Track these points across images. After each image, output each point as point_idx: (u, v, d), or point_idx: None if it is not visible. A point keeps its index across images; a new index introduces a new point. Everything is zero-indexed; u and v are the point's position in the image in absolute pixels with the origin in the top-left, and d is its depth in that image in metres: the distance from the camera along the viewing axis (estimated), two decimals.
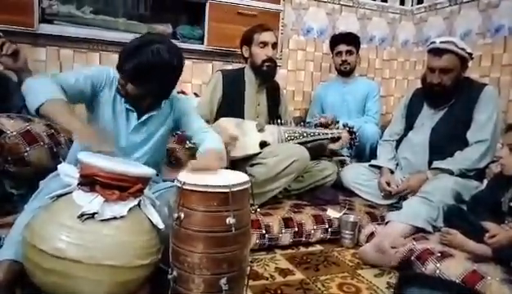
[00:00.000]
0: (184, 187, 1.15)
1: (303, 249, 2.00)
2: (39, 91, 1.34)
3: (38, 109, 1.31)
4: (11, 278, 1.23)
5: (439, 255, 1.65)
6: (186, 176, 1.20)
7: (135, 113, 1.55)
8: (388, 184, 2.25)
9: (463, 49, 2.04)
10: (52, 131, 1.92)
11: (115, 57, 2.69)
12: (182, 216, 1.15)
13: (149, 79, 1.42)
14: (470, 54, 2.08)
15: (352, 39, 2.87)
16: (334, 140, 2.33)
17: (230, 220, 1.12)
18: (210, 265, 1.14)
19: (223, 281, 1.13)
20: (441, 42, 2.06)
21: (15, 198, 1.71)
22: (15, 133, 1.74)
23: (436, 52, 2.07)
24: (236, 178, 1.21)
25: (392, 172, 2.32)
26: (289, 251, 1.97)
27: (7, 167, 1.73)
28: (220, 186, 1.14)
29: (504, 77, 2.66)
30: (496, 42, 2.71)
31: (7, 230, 1.37)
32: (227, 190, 1.12)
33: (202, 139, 1.62)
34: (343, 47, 2.84)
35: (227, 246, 1.15)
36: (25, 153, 1.75)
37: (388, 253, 1.74)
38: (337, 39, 2.90)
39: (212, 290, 1.14)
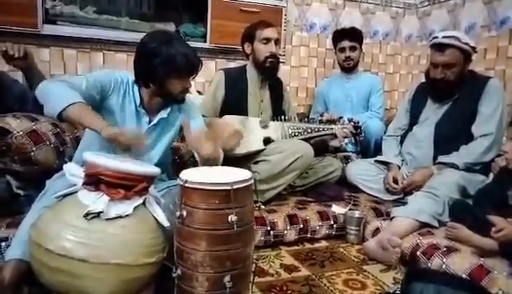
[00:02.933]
0: (186, 185, 1.15)
1: (308, 245, 2.00)
2: (59, 95, 1.34)
3: (60, 114, 1.32)
4: (18, 277, 1.25)
5: (445, 249, 1.64)
6: (188, 174, 1.20)
7: (146, 118, 1.58)
8: (396, 180, 2.24)
9: (466, 43, 2.01)
10: (58, 130, 1.94)
11: (119, 57, 2.73)
12: (185, 213, 1.16)
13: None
14: (474, 48, 2.05)
15: (355, 35, 2.84)
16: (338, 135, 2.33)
17: (232, 218, 1.12)
18: (213, 263, 1.14)
19: (227, 279, 1.14)
20: (443, 37, 2.03)
21: (22, 198, 1.73)
22: (21, 133, 1.75)
23: (438, 47, 2.05)
24: (238, 175, 1.21)
25: (399, 168, 2.31)
26: (295, 247, 1.97)
27: (14, 167, 1.74)
28: (221, 184, 1.14)
29: (509, 70, 2.63)
30: (502, 34, 2.68)
31: (14, 230, 1.39)
32: (229, 188, 1.13)
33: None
34: (346, 43, 2.82)
35: (230, 243, 1.15)
36: (32, 153, 1.76)
37: (389, 250, 1.74)
38: (340, 35, 2.88)
39: (216, 288, 1.15)
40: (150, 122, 1.59)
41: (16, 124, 1.77)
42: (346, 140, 2.44)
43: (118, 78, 1.55)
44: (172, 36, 1.54)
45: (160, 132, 1.64)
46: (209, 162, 1.56)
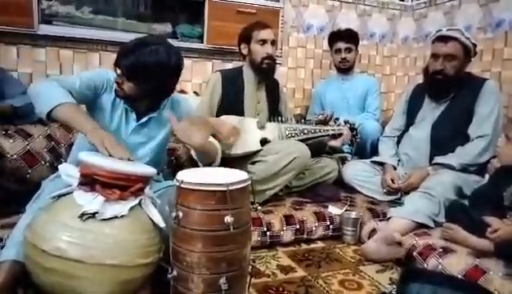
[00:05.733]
0: (182, 186, 1.15)
1: (304, 246, 2.00)
2: (49, 95, 1.34)
3: (49, 114, 1.32)
4: (13, 278, 1.24)
5: (441, 250, 1.64)
6: (184, 175, 1.19)
7: (134, 115, 1.56)
8: (392, 180, 2.24)
9: (468, 38, 2.06)
10: (52, 143, 1.92)
11: (115, 57, 2.70)
12: (181, 214, 1.15)
13: (146, 79, 1.43)
14: (475, 45, 2.09)
15: (350, 36, 2.85)
16: (336, 136, 2.33)
17: (228, 219, 1.11)
18: (209, 265, 1.13)
19: (222, 280, 1.13)
20: (447, 30, 2.10)
21: (18, 196, 1.72)
22: (15, 156, 1.74)
23: (442, 39, 2.09)
24: (235, 176, 1.20)
25: (394, 168, 2.32)
26: (291, 248, 1.97)
27: (10, 186, 1.73)
28: (217, 185, 1.13)
29: (505, 72, 2.65)
30: (497, 36, 2.69)
31: (9, 231, 1.38)
32: (225, 189, 1.12)
33: None
34: (341, 45, 2.83)
35: (226, 245, 1.14)
36: (27, 175, 1.76)
37: (395, 245, 1.74)
38: (335, 36, 2.89)
39: (211, 289, 1.14)
40: (138, 120, 1.57)
41: (10, 146, 1.75)
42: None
43: (110, 78, 1.55)
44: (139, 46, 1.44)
45: (152, 130, 1.61)
46: (204, 154, 1.55)
